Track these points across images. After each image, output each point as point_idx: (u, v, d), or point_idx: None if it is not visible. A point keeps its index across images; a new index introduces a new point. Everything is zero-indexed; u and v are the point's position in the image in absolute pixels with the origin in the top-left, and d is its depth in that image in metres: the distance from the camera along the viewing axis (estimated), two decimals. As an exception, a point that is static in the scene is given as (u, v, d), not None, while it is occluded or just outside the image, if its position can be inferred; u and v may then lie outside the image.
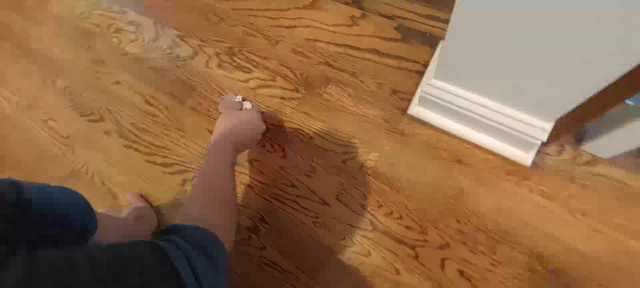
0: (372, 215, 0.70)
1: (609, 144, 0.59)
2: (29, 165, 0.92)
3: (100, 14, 1.08)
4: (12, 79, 1.07)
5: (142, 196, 0.81)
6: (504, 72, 0.50)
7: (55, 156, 0.91)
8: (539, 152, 0.66)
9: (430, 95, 0.64)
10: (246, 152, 0.80)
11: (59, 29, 1.11)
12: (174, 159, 0.83)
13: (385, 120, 0.76)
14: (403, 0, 0.87)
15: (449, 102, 0.62)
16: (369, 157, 0.74)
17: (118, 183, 0.84)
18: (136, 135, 0.89)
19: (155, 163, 0.85)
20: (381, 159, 0.73)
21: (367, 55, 0.83)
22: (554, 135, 0.58)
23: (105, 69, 0.99)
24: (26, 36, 1.14)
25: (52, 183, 0.47)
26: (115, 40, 1.02)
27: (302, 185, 0.75)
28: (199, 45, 0.94)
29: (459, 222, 0.66)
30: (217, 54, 0.92)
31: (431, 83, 0.62)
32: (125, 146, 0.89)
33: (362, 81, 0.81)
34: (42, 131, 0.96)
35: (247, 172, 0.78)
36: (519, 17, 0.40)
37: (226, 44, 0.92)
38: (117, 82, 0.96)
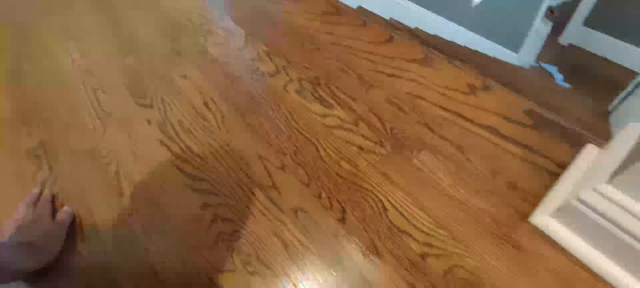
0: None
1: None
2: (56, 127, 0.85)
3: (200, 14, 1.09)
4: (89, 42, 1.08)
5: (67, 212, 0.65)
6: None
7: (86, 128, 0.84)
8: None
9: (589, 207, 0.44)
10: (290, 195, 0.64)
11: (154, 14, 1.13)
12: (206, 175, 0.70)
13: (494, 220, 0.57)
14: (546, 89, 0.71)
15: (619, 226, 0.42)
16: (462, 264, 0.53)
17: (132, 182, 0.71)
18: (176, 134, 0.79)
19: (182, 171, 0.72)
20: (480, 271, 0.52)
21: (483, 132, 0.67)
22: None
23: (179, 60, 0.95)
24: (123, 13, 1.18)
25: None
26: (201, 38, 0.99)
27: (354, 268, 0.55)
28: (283, 66, 0.86)
29: None
30: (300, 80, 0.82)
31: (600, 190, 0.43)
32: (159, 141, 0.78)
33: (469, 160, 0.64)
34: (88, 99, 0.90)
35: (289, 225, 0.61)
36: None
37: (313, 73, 0.83)
38: (184, 76, 0.90)
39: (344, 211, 0.62)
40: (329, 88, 0.80)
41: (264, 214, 0.64)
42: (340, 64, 0.85)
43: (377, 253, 0.57)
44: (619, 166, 0.43)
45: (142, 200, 0.68)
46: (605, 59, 2.77)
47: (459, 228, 0.57)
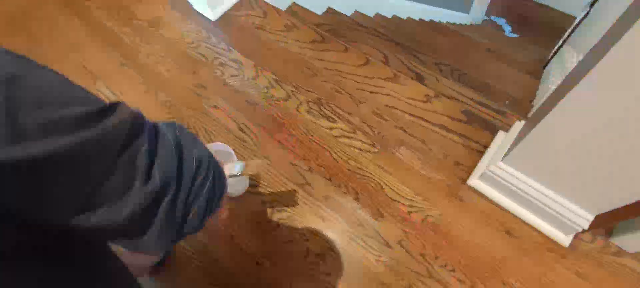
0: (429, 263, 0.88)
1: (635, 240, 0.78)
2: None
3: (208, 47, 1.34)
4: (117, 82, 1.30)
5: None
6: (574, 171, 0.71)
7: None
8: (575, 237, 0.85)
9: (495, 174, 0.84)
10: (320, 188, 0.99)
11: (168, 51, 1.36)
12: (258, 181, 1.03)
13: (447, 185, 0.96)
14: (466, 88, 1.10)
15: (511, 184, 0.83)
16: (431, 213, 0.93)
17: None
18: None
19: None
20: (441, 217, 0.92)
21: (437, 129, 1.05)
22: (593, 225, 0.77)
23: (206, 94, 1.22)
24: (135, 50, 1.40)
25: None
26: (218, 71, 1.26)
27: (369, 226, 0.93)
28: (292, 91, 1.18)
29: (504, 284, 0.83)
30: (307, 102, 1.15)
31: (499, 165, 0.83)
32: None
33: (430, 149, 1.02)
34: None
35: (323, 206, 0.97)
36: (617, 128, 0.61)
37: (316, 95, 1.16)
38: (215, 107, 1.19)
39: (356, 193, 0.99)
40: (330, 106, 1.14)
41: (305, 203, 0.99)
42: (334, 85, 1.18)
43: (382, 215, 0.95)
44: (508, 149, 0.83)
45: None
46: (547, 6, 3.29)
47: (427, 193, 0.96)
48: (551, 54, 2.23)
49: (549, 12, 3.27)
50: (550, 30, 2.92)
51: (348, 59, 1.24)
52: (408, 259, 0.89)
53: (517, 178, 0.82)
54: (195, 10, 1.45)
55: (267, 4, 1.45)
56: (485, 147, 1.02)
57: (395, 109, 1.11)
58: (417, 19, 2.34)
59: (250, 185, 1.03)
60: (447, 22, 2.62)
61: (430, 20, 2.43)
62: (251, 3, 1.46)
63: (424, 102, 1.11)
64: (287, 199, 1.00)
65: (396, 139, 1.06)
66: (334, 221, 0.96)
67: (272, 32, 1.35)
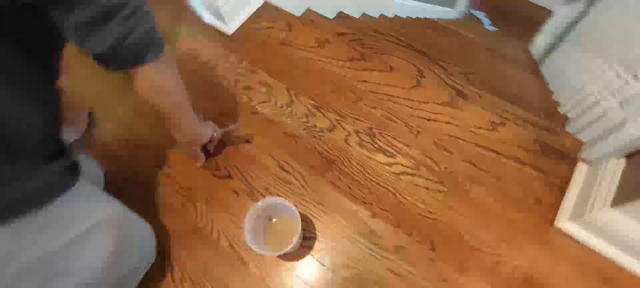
0: (528, 323, 0.77)
1: None
2: (150, 215, 0.93)
3: (227, 68, 1.16)
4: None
5: None
6: None
7: (178, 212, 0.94)
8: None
9: (601, 221, 0.75)
10: (388, 237, 0.86)
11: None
12: (311, 232, 0.88)
13: (532, 228, 0.86)
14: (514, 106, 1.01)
15: (624, 235, 0.73)
16: (520, 262, 0.83)
17: (246, 248, 0.85)
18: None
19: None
20: (533, 267, 0.82)
21: (510, 162, 0.94)
22: None
23: (234, 126, 1.05)
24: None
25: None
26: (244, 97, 1.09)
27: (454, 282, 0.81)
28: (337, 120, 1.03)
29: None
30: (357, 132, 1.01)
31: (607, 213, 0.73)
32: (258, 209, 0.93)
33: (506, 186, 0.91)
34: (167, 182, 0.98)
35: (397, 260, 0.84)
36: None
37: (366, 124, 1.02)
38: (247, 142, 1.02)
39: (432, 242, 0.87)
40: (384, 137, 1.01)
41: (374, 257, 0.86)
42: (384, 112, 1.05)
43: (466, 269, 0.83)
44: (614, 194, 0.73)
45: (266, 263, 0.85)
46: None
47: (512, 239, 0.86)
48: (542, 52, 2.21)
49: (525, 6, 3.30)
50: (527, 23, 2.92)
51: (395, 80, 1.11)
52: (503, 320, 0.78)
53: (632, 229, 0.73)
54: (206, 23, 1.26)
55: (290, 14, 1.28)
56: (564, 180, 0.92)
57: (460, 139, 0.99)
58: (404, 16, 2.24)
59: (305, 239, 0.88)
60: (439, 19, 2.55)
61: (425, 19, 2.35)
62: (271, 13, 1.29)
63: (490, 130, 1.01)
64: (351, 254, 0.86)
65: (466, 175, 0.94)
66: (409, 278, 0.83)
67: (302, 48, 1.19)
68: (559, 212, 0.88)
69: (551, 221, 0.87)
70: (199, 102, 1.10)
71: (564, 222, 0.85)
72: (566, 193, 0.89)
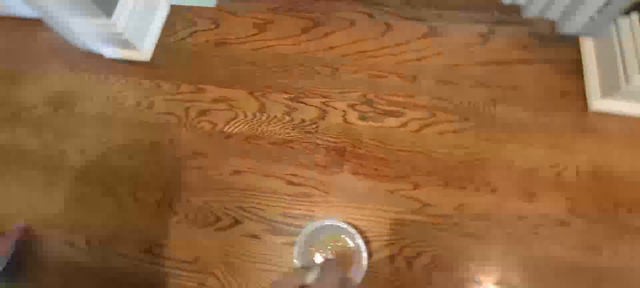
0: (617, 216, 0.71)
1: None
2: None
3: (165, 100, 0.91)
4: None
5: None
6: None
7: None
8: None
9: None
10: (442, 202, 0.75)
11: (110, 130, 0.90)
12: (364, 237, 0.72)
13: (572, 122, 0.80)
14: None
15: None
16: (578, 162, 0.76)
17: None
18: (293, 224, 0.76)
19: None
20: (592, 161, 0.76)
21: (517, 66, 0.86)
22: None
23: (208, 162, 0.83)
24: (55, 156, 0.90)
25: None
26: (205, 124, 0.87)
27: (531, 214, 0.73)
28: (323, 103, 0.87)
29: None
30: (352, 106, 0.86)
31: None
32: (285, 244, 0.75)
33: (527, 92, 0.83)
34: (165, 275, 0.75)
35: (465, 220, 0.73)
36: None
37: (356, 93, 0.87)
38: (237, 172, 0.81)
39: (488, 184, 0.76)
40: (382, 99, 0.86)
41: (440, 229, 0.73)
42: (370, 71, 0.90)
43: (534, 194, 0.74)
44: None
45: None
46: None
47: (560, 143, 0.78)
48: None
49: None
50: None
51: (361, 33, 0.95)
52: (591, 226, 0.71)
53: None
54: (113, 59, 0.98)
55: (207, 8, 1.04)
56: (575, 63, 0.86)
57: (458, 65, 0.89)
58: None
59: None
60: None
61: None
62: (184, 16, 1.04)
63: (483, 43, 0.91)
64: (416, 238, 0.73)
65: (484, 99, 0.84)
66: (487, 232, 0.72)
67: (243, 40, 0.98)
68: (588, 95, 0.82)
69: (584, 107, 0.81)
70: (156, 154, 0.86)
71: (598, 103, 0.80)
72: (585, 74, 0.84)
